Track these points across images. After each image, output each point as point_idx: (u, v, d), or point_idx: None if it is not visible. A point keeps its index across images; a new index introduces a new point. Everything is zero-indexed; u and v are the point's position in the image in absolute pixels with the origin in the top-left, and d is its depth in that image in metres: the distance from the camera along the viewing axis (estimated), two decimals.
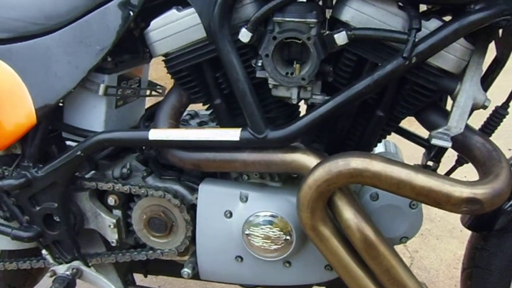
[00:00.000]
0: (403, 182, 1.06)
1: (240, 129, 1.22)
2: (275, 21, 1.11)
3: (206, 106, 1.32)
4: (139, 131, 1.32)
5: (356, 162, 1.08)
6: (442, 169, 1.32)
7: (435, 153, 1.34)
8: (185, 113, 1.61)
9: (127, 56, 1.42)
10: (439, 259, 2.39)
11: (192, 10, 1.18)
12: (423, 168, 1.30)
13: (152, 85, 1.73)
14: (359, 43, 1.11)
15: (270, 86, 1.17)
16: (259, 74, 1.18)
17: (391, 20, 1.08)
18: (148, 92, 1.56)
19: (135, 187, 1.32)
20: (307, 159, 1.20)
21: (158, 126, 1.32)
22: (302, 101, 1.23)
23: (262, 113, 1.19)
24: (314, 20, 1.08)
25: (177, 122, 1.35)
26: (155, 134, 1.24)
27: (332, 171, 1.09)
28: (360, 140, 1.29)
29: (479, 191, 1.12)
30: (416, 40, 1.03)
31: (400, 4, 1.07)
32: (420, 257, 2.41)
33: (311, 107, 1.21)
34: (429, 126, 1.22)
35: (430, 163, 1.36)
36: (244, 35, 1.14)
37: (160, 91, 1.60)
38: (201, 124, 1.65)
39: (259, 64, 1.16)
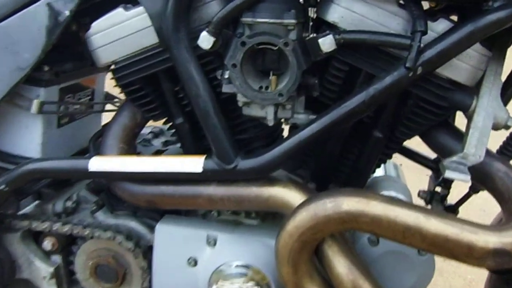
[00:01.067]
0: (410, 229, 0.83)
1: (203, 157, 1.04)
2: (244, 22, 0.94)
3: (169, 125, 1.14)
4: (77, 159, 1.11)
5: (349, 204, 0.84)
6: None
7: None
8: (148, 130, 1.51)
9: (71, 64, 1.24)
10: (447, 285, 2.12)
11: (141, 9, 1.01)
12: (432, 202, 1.22)
13: (109, 98, 1.51)
14: (351, 49, 0.94)
15: (240, 103, 1.00)
16: (225, 88, 0.99)
17: (390, 21, 0.92)
18: (105, 107, 1.39)
19: (77, 227, 1.07)
20: (289, 195, 1.00)
21: (105, 152, 1.12)
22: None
23: (231, 137, 1.02)
24: (293, 21, 0.91)
25: (130, 146, 1.16)
26: (97, 164, 1.06)
27: (318, 215, 0.86)
28: (354, 166, 1.12)
29: (509, 240, 0.86)
30: (422, 45, 0.87)
31: (401, 1, 0.92)
32: None
33: (293, 128, 1.06)
34: (439, 150, 1.05)
35: (438, 189, 1.27)
36: (205, 40, 0.96)
37: (119, 104, 1.39)
38: (167, 144, 1.48)
39: (226, 76, 0.97)
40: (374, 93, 0.92)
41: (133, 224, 1.21)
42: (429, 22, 0.90)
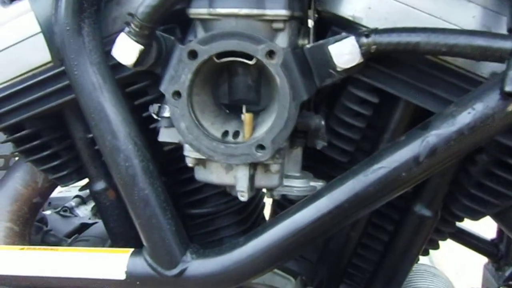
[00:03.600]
0: None
1: (128, 253, 0.74)
2: (195, 16, 0.64)
3: None
4: None
5: None
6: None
7: None
8: (72, 194, 1.27)
9: None
10: None
11: (25, 4, 0.74)
12: None
13: None
14: (385, 65, 0.66)
15: (189, 162, 0.69)
16: (164, 136, 0.70)
17: (458, 10, 0.63)
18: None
19: None
20: None
21: None
22: None
23: (175, 221, 0.71)
24: (284, 13, 0.61)
25: (24, 226, 0.90)
26: None
27: None
28: (383, 262, 0.84)
29: None
30: None
31: None
32: None
33: (281, 206, 0.82)
34: None
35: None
36: (124, 50, 0.64)
37: None
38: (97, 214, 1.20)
39: (165, 113, 0.68)
40: (437, 144, 0.59)
41: None
42: None
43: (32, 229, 0.96)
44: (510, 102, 0.58)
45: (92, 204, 1.22)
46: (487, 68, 0.61)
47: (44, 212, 1.18)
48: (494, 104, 0.58)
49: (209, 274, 0.70)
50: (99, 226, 1.11)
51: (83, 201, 1.22)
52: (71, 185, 1.02)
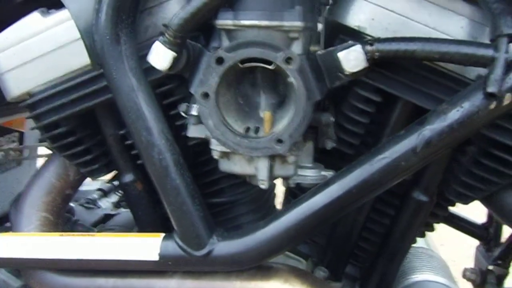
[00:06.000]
0: None
1: (160, 237, 0.79)
2: (221, 27, 0.71)
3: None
4: None
5: None
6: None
7: (503, 251, 1.02)
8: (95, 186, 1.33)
9: None
10: None
11: (65, 13, 0.79)
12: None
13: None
14: (387, 69, 0.72)
15: (215, 154, 0.76)
16: (192, 132, 0.77)
17: (449, 22, 0.71)
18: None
19: None
20: None
21: (19, 227, 0.90)
22: None
23: (202, 208, 0.78)
24: (299, 24, 0.68)
25: (58, 215, 0.93)
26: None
27: None
28: (384, 244, 0.89)
29: None
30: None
31: None
32: None
33: (292, 194, 0.88)
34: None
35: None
36: (159, 56, 0.71)
37: None
38: (119, 206, 1.27)
39: (193, 112, 0.74)
40: (432, 137, 0.66)
41: None
42: None
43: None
44: (492, 101, 0.64)
45: (113, 196, 1.27)
46: (474, 71, 0.68)
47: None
48: (479, 103, 0.65)
49: (233, 254, 0.75)
50: (122, 217, 1.17)
51: (104, 194, 1.26)
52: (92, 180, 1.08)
